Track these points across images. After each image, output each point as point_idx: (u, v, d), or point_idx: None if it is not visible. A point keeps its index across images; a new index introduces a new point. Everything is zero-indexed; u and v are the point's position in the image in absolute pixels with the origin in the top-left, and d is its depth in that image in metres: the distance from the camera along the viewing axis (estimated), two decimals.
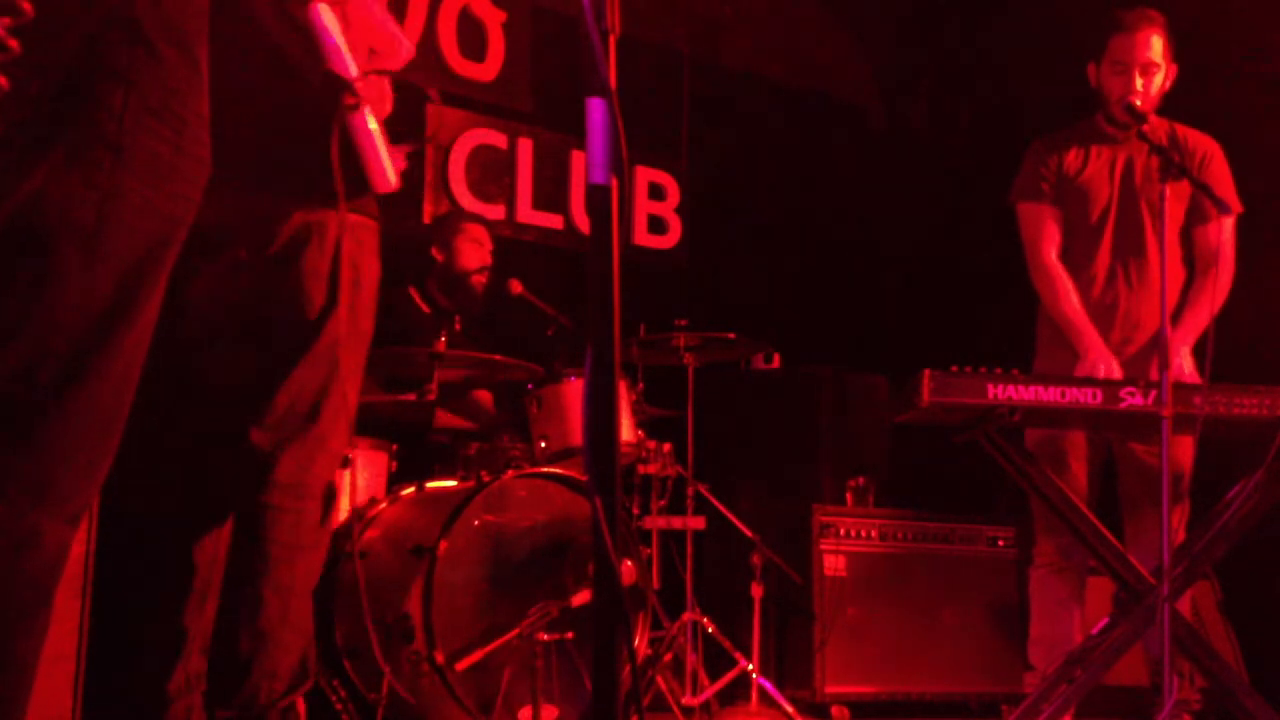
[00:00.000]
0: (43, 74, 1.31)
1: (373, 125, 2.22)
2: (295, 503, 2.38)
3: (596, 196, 1.50)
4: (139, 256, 1.38)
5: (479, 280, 4.52)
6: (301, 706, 2.46)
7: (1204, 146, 3.83)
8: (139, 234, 1.37)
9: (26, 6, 1.25)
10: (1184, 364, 3.64)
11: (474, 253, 4.53)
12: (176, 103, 1.40)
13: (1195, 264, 3.85)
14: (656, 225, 6.15)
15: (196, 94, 1.44)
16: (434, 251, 4.54)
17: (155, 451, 2.32)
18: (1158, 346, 3.25)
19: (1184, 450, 3.67)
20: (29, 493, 1.30)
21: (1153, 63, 3.72)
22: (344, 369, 2.37)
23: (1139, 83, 3.72)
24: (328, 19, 2.13)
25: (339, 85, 2.15)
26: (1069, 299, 3.78)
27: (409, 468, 4.01)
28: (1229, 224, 3.81)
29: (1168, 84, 3.79)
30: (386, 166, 2.26)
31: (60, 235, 1.31)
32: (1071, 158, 3.86)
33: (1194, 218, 3.85)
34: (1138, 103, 3.64)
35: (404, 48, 2.36)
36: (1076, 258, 3.85)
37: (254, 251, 2.33)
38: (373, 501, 3.72)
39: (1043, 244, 3.84)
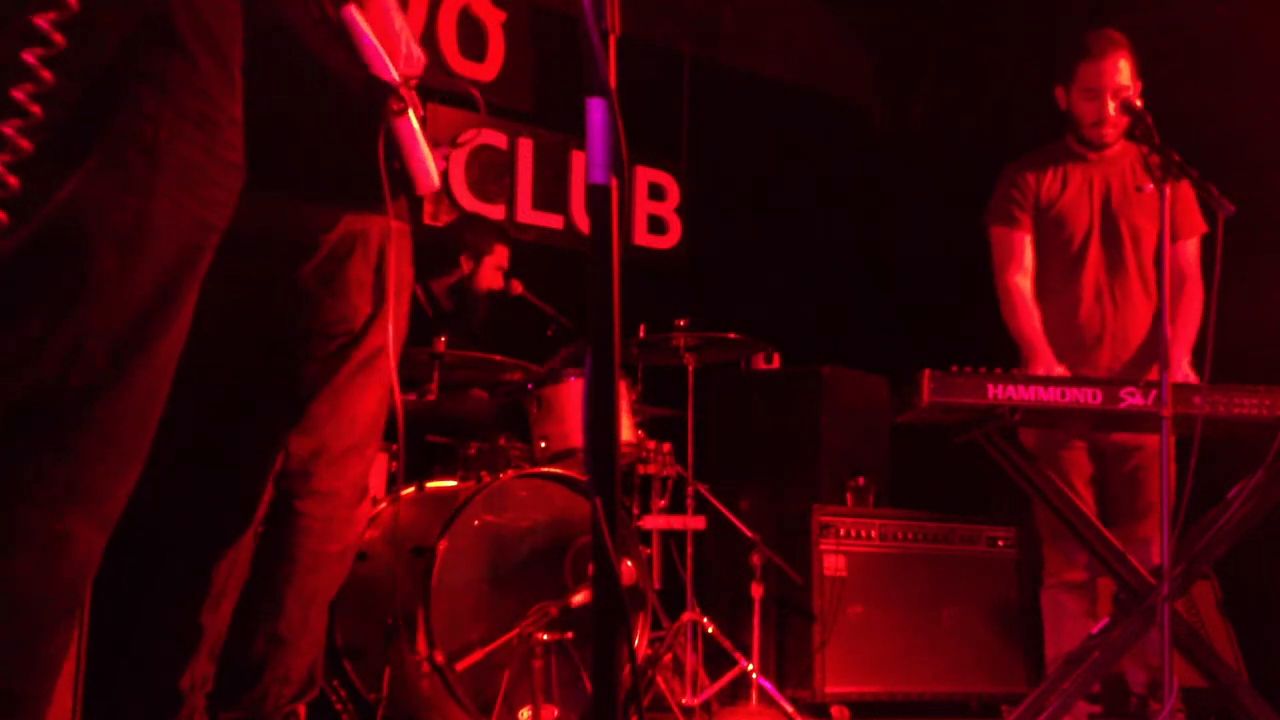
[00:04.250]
0: (79, 78, 1.31)
1: (416, 127, 2.22)
2: (329, 510, 2.38)
3: (596, 196, 1.50)
4: (173, 261, 1.38)
5: (486, 305, 4.55)
6: (302, 711, 2.46)
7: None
8: (174, 239, 1.37)
9: (73, 1, 1.25)
10: (1186, 377, 3.64)
11: (493, 277, 4.56)
12: (210, 107, 1.40)
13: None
14: (656, 225, 6.15)
15: (230, 97, 1.44)
16: (463, 259, 4.55)
17: (190, 455, 2.32)
18: (1151, 354, 3.26)
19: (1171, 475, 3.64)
20: (61, 496, 1.31)
21: (1123, 87, 3.76)
22: (383, 376, 2.37)
23: (1111, 108, 3.76)
24: (362, 22, 2.12)
25: (383, 90, 2.15)
26: (1029, 320, 3.82)
27: (409, 468, 4.01)
28: (1194, 244, 3.87)
29: (1136, 100, 3.81)
30: (431, 168, 2.26)
31: (97, 240, 1.31)
32: (1048, 182, 3.90)
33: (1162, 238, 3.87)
34: (1138, 103, 3.65)
35: (417, 57, 2.35)
36: (1058, 281, 3.88)
37: (298, 261, 2.32)
38: (373, 501, 3.72)
39: (1010, 268, 3.88)
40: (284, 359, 2.36)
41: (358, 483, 2.44)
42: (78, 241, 1.30)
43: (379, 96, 2.16)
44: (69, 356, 1.30)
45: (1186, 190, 3.82)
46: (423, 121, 2.29)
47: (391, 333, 2.37)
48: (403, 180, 2.27)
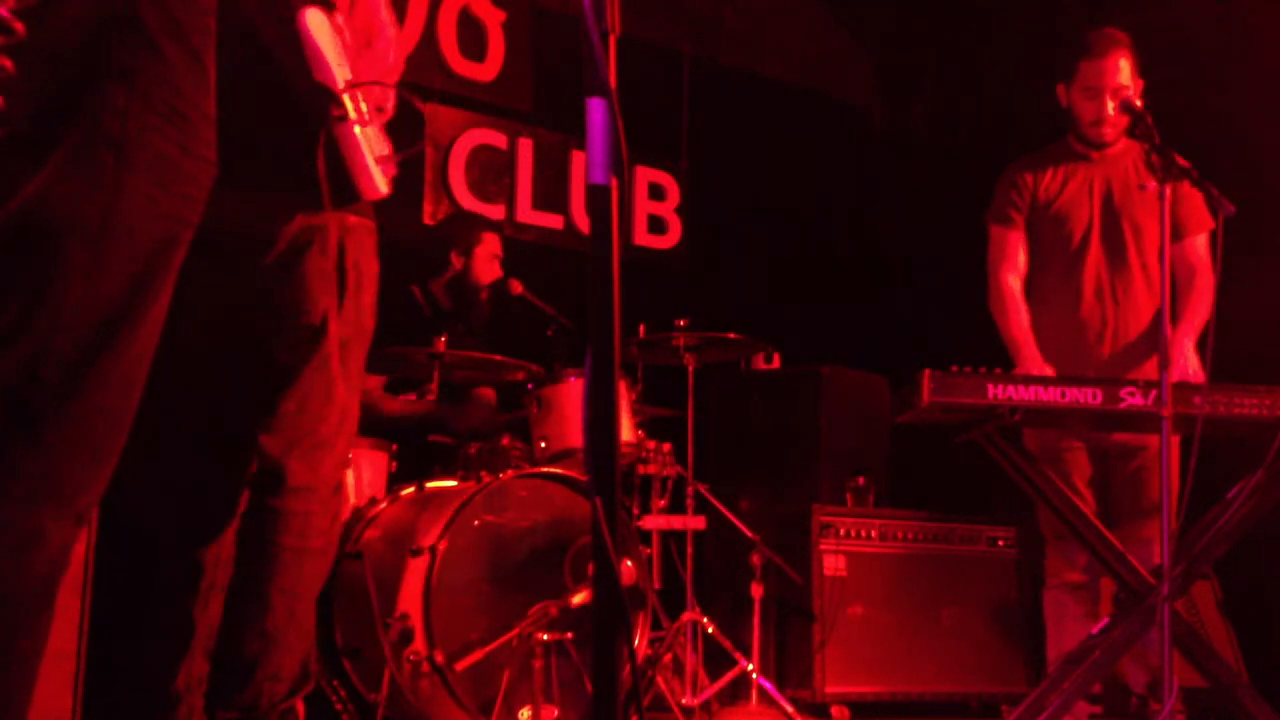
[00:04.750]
0: (47, 72, 1.31)
1: (359, 135, 2.23)
2: (304, 505, 2.38)
3: (596, 196, 1.50)
4: (145, 256, 1.37)
5: (486, 296, 4.53)
6: (300, 708, 2.46)
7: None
8: (145, 234, 1.37)
9: None
10: (1189, 361, 3.64)
11: (489, 266, 4.54)
12: (181, 102, 1.40)
13: (1177, 278, 3.88)
14: (656, 225, 6.15)
15: (202, 93, 1.43)
16: (453, 256, 4.53)
17: (162, 453, 2.33)
18: (1153, 351, 3.26)
19: (1172, 475, 3.63)
20: (34, 491, 1.30)
21: (1123, 86, 3.78)
22: (350, 370, 2.38)
23: (1110, 107, 3.77)
24: (315, 26, 2.13)
25: (324, 97, 2.16)
26: (1018, 319, 3.85)
27: (409, 468, 4.01)
28: (1204, 240, 3.85)
29: (1136, 99, 3.81)
30: (375, 176, 2.26)
31: (65, 234, 1.31)
32: (1048, 181, 3.91)
33: (1170, 235, 3.87)
34: (1137, 102, 3.65)
35: (393, 57, 2.35)
36: (1060, 277, 3.89)
37: (256, 256, 2.33)
38: (373, 501, 3.73)
39: (1003, 268, 3.92)
40: (249, 355, 2.36)
41: (331, 477, 2.43)
42: (46, 236, 1.30)
43: (321, 102, 2.17)
44: (40, 351, 1.29)
45: (1192, 189, 3.82)
46: (385, 123, 2.29)
47: (359, 325, 2.37)
48: (346, 186, 2.27)
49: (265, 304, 2.32)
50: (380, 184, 2.28)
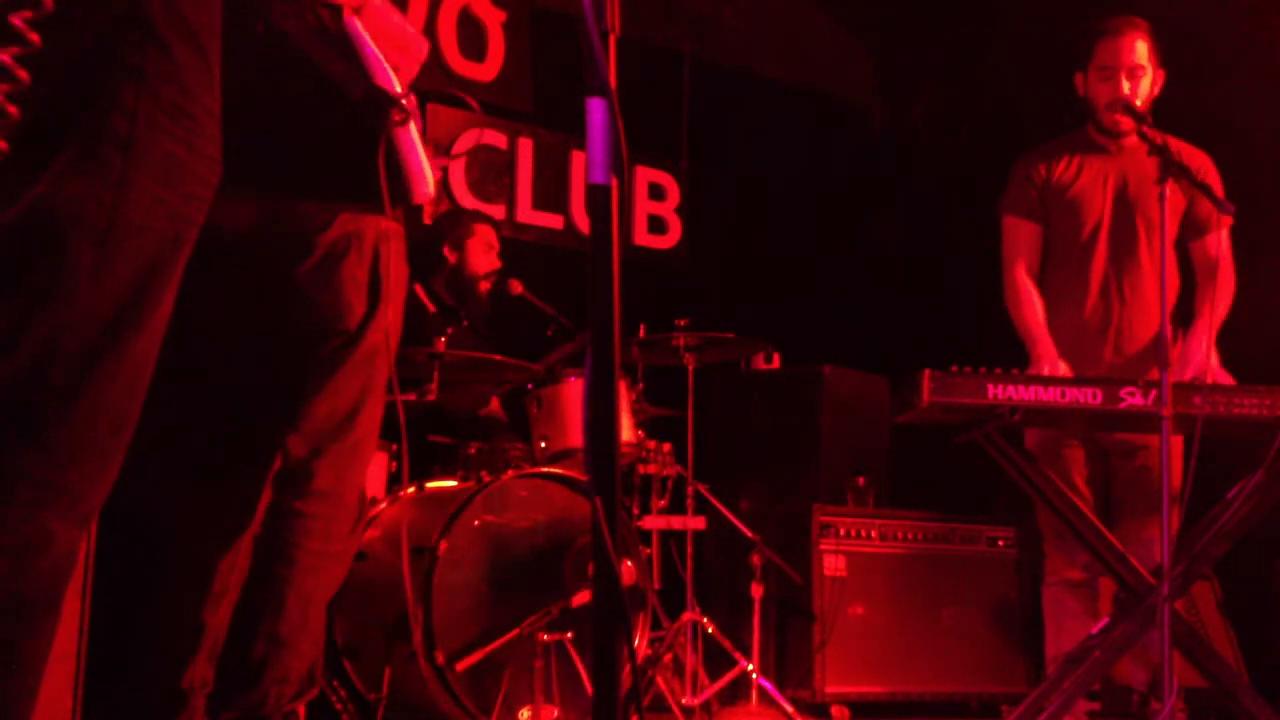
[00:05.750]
0: (55, 72, 1.30)
1: (416, 137, 2.24)
2: (329, 510, 2.39)
3: (596, 196, 1.50)
4: (152, 257, 1.37)
5: (486, 285, 4.53)
6: (301, 710, 2.46)
7: (1196, 159, 3.81)
8: (152, 234, 1.36)
9: (48, 1, 1.24)
10: (1209, 361, 3.60)
11: (485, 257, 4.54)
12: (189, 101, 1.39)
13: (1196, 275, 3.85)
14: (656, 225, 6.15)
15: (209, 91, 1.43)
16: (446, 251, 4.53)
17: (187, 455, 2.34)
18: (1157, 350, 3.25)
19: (1174, 474, 3.62)
20: (39, 494, 1.29)
21: (1139, 66, 3.73)
22: (379, 377, 2.39)
23: (1126, 87, 3.73)
24: (365, 32, 2.14)
25: (385, 101, 2.16)
26: (1033, 312, 3.80)
27: (409, 468, 4.00)
28: (1225, 235, 3.82)
29: (1156, 89, 3.79)
30: (428, 177, 2.28)
31: (73, 234, 1.30)
32: (1062, 170, 3.87)
33: (1189, 231, 3.85)
34: (1138, 102, 3.64)
35: (420, 45, 2.36)
36: (1068, 271, 3.85)
37: (295, 261, 2.34)
38: (373, 501, 3.72)
39: (1017, 260, 3.88)
40: (283, 359, 2.37)
41: (355, 482, 2.45)
42: (53, 236, 1.29)
43: (381, 106, 2.17)
44: (45, 353, 1.29)
45: (1214, 181, 3.80)
46: (423, 130, 2.31)
47: (389, 332, 2.38)
48: (400, 189, 2.28)
49: (303, 307, 2.34)
50: (431, 185, 2.29)
